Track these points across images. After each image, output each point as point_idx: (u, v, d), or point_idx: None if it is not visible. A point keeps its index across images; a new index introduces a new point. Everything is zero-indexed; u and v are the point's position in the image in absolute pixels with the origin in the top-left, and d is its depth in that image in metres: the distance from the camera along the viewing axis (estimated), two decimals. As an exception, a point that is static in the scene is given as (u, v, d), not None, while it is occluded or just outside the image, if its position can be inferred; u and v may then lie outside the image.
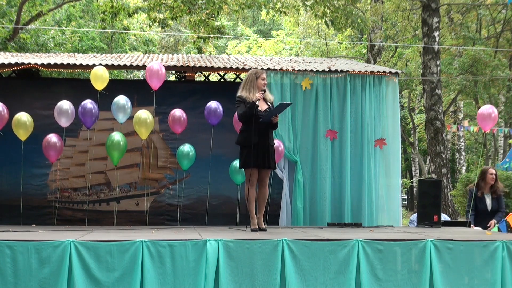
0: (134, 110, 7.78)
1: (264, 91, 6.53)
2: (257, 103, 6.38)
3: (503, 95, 20.36)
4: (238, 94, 6.57)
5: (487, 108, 7.76)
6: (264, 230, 6.47)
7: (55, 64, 8.11)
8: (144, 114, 7.49)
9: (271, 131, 6.57)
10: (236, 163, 7.62)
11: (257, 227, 6.49)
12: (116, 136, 7.49)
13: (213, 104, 7.73)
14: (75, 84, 9.38)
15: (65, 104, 7.47)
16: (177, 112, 7.75)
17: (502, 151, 22.10)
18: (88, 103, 7.45)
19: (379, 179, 8.21)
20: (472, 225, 7.74)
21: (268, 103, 6.59)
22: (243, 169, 6.71)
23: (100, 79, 7.43)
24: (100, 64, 7.97)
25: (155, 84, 7.43)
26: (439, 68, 14.16)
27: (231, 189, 8.18)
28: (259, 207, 6.63)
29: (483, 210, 7.98)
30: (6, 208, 8.47)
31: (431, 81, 13.93)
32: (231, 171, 7.76)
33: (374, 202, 8.14)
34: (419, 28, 17.90)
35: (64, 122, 7.49)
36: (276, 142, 7.61)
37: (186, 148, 7.78)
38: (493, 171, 8.19)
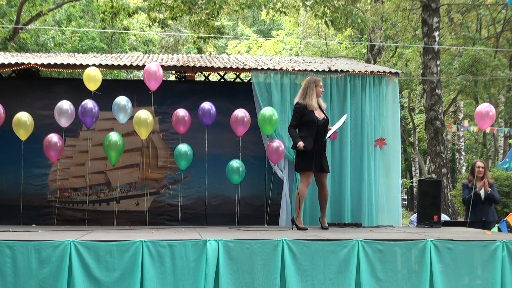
0: (134, 110, 7.76)
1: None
2: (315, 114, 6.93)
3: (503, 95, 20.37)
4: (296, 100, 7.05)
5: (484, 107, 7.75)
6: (327, 228, 6.95)
7: (55, 64, 8.11)
8: (144, 114, 7.48)
9: (325, 139, 7.07)
10: (233, 162, 7.65)
11: (303, 224, 6.95)
12: (114, 136, 7.47)
13: (206, 105, 7.74)
14: (75, 84, 9.34)
15: (65, 104, 7.45)
16: (181, 112, 7.74)
17: (502, 151, 22.11)
18: (89, 103, 7.43)
19: (379, 179, 8.20)
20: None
21: (324, 112, 7.09)
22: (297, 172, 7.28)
23: (93, 80, 7.41)
24: (100, 64, 7.97)
25: (153, 85, 7.43)
26: (439, 68, 14.16)
27: (231, 189, 8.18)
28: (322, 207, 7.16)
29: (477, 200, 8.23)
30: (6, 208, 8.46)
31: (431, 81, 13.93)
32: (228, 171, 7.75)
33: (374, 202, 8.13)
34: (419, 28, 17.91)
35: (64, 122, 7.47)
36: (277, 142, 7.63)
37: (184, 148, 7.76)
38: (481, 164, 8.40)
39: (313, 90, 6.99)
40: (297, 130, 7.02)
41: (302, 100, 6.99)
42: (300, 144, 6.82)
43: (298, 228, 6.84)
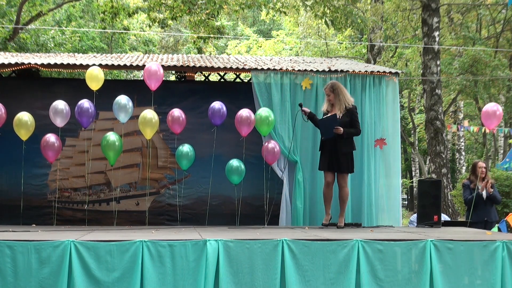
0: (134, 110, 7.76)
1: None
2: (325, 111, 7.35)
3: (503, 95, 20.36)
4: None
5: (491, 106, 7.70)
6: (341, 227, 7.19)
7: (55, 64, 8.11)
8: (149, 113, 7.47)
9: (341, 139, 7.19)
10: (232, 162, 7.70)
11: (327, 222, 7.28)
12: (111, 136, 7.47)
13: (216, 104, 7.73)
14: (75, 84, 9.37)
15: (60, 104, 7.44)
16: (176, 112, 7.73)
17: (502, 151, 22.11)
18: (85, 103, 7.42)
19: (379, 179, 8.20)
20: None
21: (338, 111, 7.22)
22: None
23: (95, 79, 7.40)
24: (100, 64, 7.96)
25: (153, 85, 7.43)
26: (439, 68, 14.16)
27: (231, 189, 8.19)
28: (339, 207, 7.41)
29: (479, 200, 8.25)
30: (6, 208, 8.46)
31: (431, 81, 13.93)
32: (227, 170, 7.76)
33: (374, 202, 8.13)
34: (419, 28, 17.91)
35: (59, 122, 7.46)
36: (272, 143, 7.65)
37: (185, 148, 7.77)
38: (483, 165, 8.47)
39: (325, 96, 7.46)
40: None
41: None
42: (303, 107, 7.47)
43: (322, 225, 7.33)
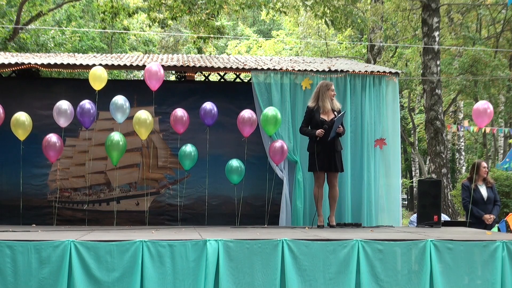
0: (134, 110, 7.76)
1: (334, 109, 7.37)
2: (321, 116, 7.25)
3: (503, 95, 20.36)
4: (308, 104, 7.46)
5: (482, 104, 7.74)
6: (334, 227, 7.28)
7: (55, 64, 8.10)
8: (144, 114, 7.48)
9: (337, 139, 7.32)
10: (232, 162, 7.69)
11: (323, 223, 7.31)
12: (116, 136, 7.47)
13: (208, 105, 7.75)
14: (75, 84, 9.37)
15: (64, 104, 7.45)
16: (179, 112, 7.73)
17: (502, 151, 22.11)
18: (86, 103, 7.42)
19: (379, 179, 8.20)
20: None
21: (335, 112, 7.31)
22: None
23: (98, 79, 7.41)
24: (100, 64, 7.96)
25: (154, 85, 7.43)
26: (439, 68, 14.16)
27: (231, 189, 8.19)
28: (330, 206, 7.46)
29: (479, 200, 8.22)
30: (6, 208, 8.46)
31: (431, 81, 13.93)
32: (227, 170, 7.76)
33: (374, 202, 8.13)
34: (419, 28, 17.90)
35: (63, 122, 7.47)
36: (280, 142, 7.65)
37: (188, 148, 7.76)
38: (486, 164, 8.47)
39: (326, 93, 7.32)
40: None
41: (312, 104, 7.36)
42: (319, 131, 7.16)
43: (318, 226, 7.27)
